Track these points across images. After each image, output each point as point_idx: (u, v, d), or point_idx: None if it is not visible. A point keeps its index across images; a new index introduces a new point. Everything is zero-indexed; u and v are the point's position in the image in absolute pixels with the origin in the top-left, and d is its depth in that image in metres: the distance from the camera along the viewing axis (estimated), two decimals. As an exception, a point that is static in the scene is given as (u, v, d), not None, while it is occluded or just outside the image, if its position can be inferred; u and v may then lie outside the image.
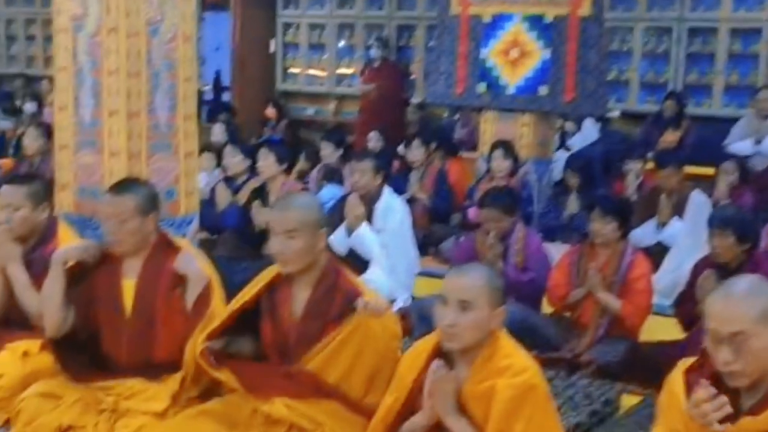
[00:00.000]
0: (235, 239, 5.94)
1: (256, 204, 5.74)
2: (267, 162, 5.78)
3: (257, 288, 3.17)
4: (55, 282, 3.31)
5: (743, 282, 2.36)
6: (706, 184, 7.20)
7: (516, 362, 2.67)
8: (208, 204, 6.36)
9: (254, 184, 6.04)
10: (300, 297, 3.12)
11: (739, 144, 8.22)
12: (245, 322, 3.20)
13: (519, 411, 2.58)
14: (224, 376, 3.08)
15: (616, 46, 9.93)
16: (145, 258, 3.38)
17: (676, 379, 2.46)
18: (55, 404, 3.27)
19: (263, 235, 5.65)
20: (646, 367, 4.40)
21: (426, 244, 7.06)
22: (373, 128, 9.29)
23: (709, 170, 7.65)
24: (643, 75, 9.93)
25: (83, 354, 3.42)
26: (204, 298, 3.29)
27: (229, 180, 6.43)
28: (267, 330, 3.16)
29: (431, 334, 2.83)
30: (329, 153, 7.80)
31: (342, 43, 12.29)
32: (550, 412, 2.68)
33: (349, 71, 12.23)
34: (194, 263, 3.36)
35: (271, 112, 12.01)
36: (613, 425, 3.74)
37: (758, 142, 8.10)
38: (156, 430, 3.10)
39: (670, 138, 8.81)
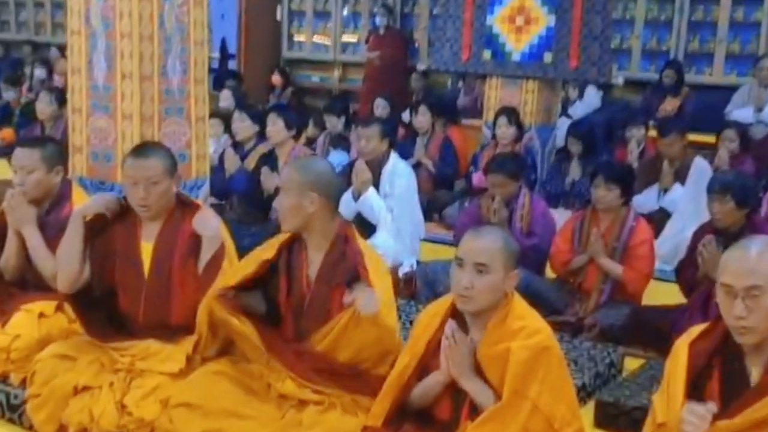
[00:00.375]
0: (244, 204, 5.92)
1: (264, 169, 5.71)
2: (276, 127, 5.73)
3: (275, 248, 3.16)
4: (74, 235, 3.30)
5: (759, 240, 2.36)
6: (707, 151, 7.17)
7: (529, 324, 2.68)
8: (216, 170, 6.32)
9: (263, 149, 6.00)
10: (315, 260, 3.12)
11: (739, 112, 8.18)
12: (255, 280, 3.19)
13: (534, 372, 2.58)
14: (240, 322, 3.06)
15: (618, 14, 9.80)
16: (164, 220, 3.37)
17: (681, 349, 2.45)
18: (70, 365, 3.28)
19: (272, 200, 5.65)
20: (648, 331, 4.42)
21: (430, 210, 7.06)
22: (377, 95, 9.23)
23: (709, 138, 7.60)
24: (645, 43, 9.84)
25: (100, 312, 3.42)
26: (217, 259, 3.28)
27: (237, 146, 6.38)
28: (282, 290, 3.15)
29: (445, 296, 2.81)
30: (333, 123, 7.77)
31: (346, 11, 12.19)
32: (563, 373, 2.68)
33: (354, 39, 12.17)
34: (211, 222, 3.35)
35: (276, 79, 11.97)
36: (617, 387, 3.74)
37: (759, 110, 8.06)
38: (171, 390, 3.10)
39: (669, 106, 8.76)
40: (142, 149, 3.41)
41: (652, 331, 4.39)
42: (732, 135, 6.75)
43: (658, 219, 6.13)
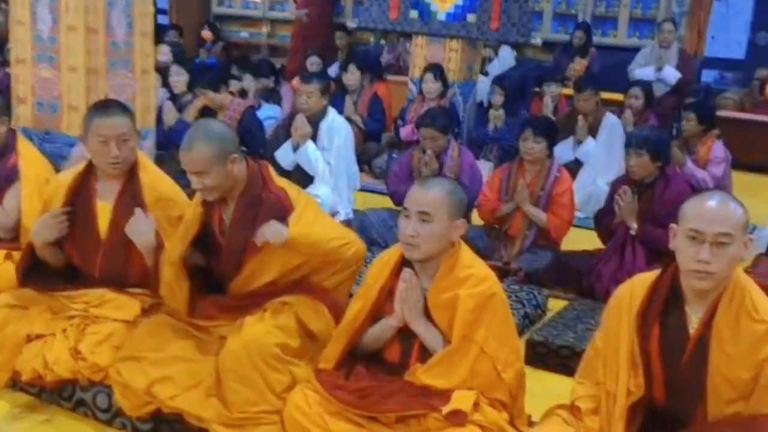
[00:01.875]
0: (184, 156, 5.70)
1: (205, 121, 5.49)
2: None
3: (192, 211, 3.01)
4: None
5: (720, 193, 2.37)
6: (613, 107, 7.24)
7: (476, 272, 2.61)
8: (156, 121, 6.08)
9: (203, 101, 5.77)
10: (227, 212, 2.99)
11: (641, 71, 8.26)
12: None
13: (481, 318, 2.53)
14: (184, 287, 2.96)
15: (532, -22, 9.81)
16: (124, 181, 3.16)
17: (624, 293, 2.44)
18: (21, 313, 3.10)
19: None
20: (569, 274, 4.46)
21: (360, 162, 6.94)
22: (305, 52, 9.02)
23: (614, 95, 7.69)
24: (555, 6, 9.87)
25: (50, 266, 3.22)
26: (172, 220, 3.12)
27: (174, 98, 6.13)
28: (209, 245, 3.04)
29: (396, 245, 2.73)
30: (264, 84, 7.56)
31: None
32: (507, 317, 2.64)
33: (282, -4, 11.86)
34: (162, 184, 3.21)
35: (207, 34, 11.61)
36: (545, 326, 3.75)
37: (659, 69, 8.17)
38: (126, 337, 2.96)
39: (578, 65, 8.81)
40: (107, 107, 3.16)
41: (573, 275, 4.43)
42: (637, 92, 6.82)
43: (573, 169, 6.18)
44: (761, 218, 6.02)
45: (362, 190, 6.19)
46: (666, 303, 2.37)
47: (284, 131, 5.41)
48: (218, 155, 2.82)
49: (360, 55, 9.09)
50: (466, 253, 2.66)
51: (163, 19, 12.58)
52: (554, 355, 3.52)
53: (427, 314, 2.62)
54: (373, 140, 7.23)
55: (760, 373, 2.26)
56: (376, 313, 2.69)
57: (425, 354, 2.61)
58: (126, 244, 3.09)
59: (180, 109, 5.97)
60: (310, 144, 5.28)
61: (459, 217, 2.61)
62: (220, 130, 2.93)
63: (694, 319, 2.34)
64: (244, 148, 5.56)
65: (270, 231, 2.86)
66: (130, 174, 3.16)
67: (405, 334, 2.65)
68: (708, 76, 10.56)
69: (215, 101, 5.42)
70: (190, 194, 3.12)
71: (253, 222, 2.93)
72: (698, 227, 2.24)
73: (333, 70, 8.68)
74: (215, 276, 3.07)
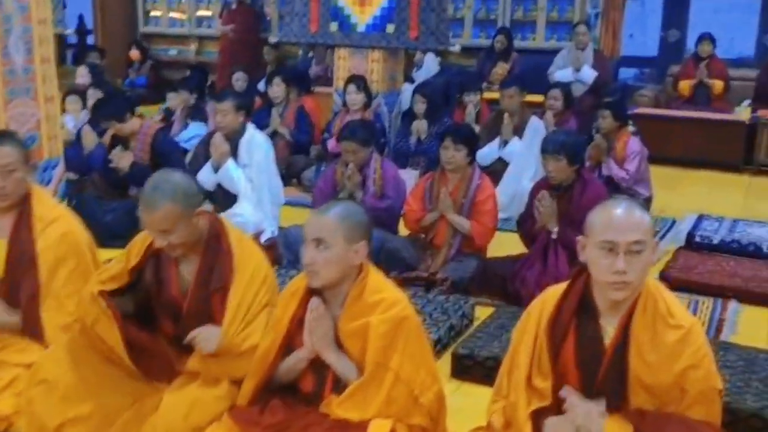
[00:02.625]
0: (104, 180, 5.41)
1: (115, 150, 5.17)
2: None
3: (140, 255, 2.70)
4: None
5: (624, 200, 2.24)
6: (535, 109, 7.18)
7: (386, 297, 2.43)
8: (75, 146, 5.79)
9: (112, 131, 5.47)
10: (190, 263, 2.69)
11: (560, 72, 8.25)
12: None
13: (394, 343, 2.36)
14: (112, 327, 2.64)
15: (451, -14, 9.75)
16: (17, 214, 2.91)
17: (534, 312, 2.31)
18: None
19: (127, 178, 5.18)
20: (495, 281, 4.33)
21: (288, 175, 6.77)
22: (233, 67, 8.77)
23: (536, 97, 7.64)
24: (476, 12, 9.81)
25: None
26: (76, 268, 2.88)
27: (95, 122, 5.84)
28: (154, 297, 2.75)
29: (301, 275, 2.54)
30: (185, 98, 7.27)
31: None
32: (421, 339, 2.47)
33: (209, 13, 11.61)
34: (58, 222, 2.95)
35: (135, 54, 11.40)
36: (470, 338, 3.60)
37: (577, 70, 8.16)
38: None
39: (500, 69, 8.77)
40: None
41: (499, 281, 4.30)
42: (557, 94, 6.75)
43: (499, 170, 6.10)
44: (679, 211, 6.02)
45: (292, 204, 5.99)
46: (578, 315, 2.24)
47: (203, 151, 5.18)
48: (184, 211, 2.55)
49: (288, 68, 8.90)
50: (375, 277, 2.49)
51: (91, 40, 12.22)
52: (480, 368, 3.37)
53: (339, 343, 2.44)
54: (301, 153, 7.02)
55: (684, 381, 2.15)
56: (287, 345, 2.49)
57: (339, 384, 2.43)
58: (22, 282, 2.83)
59: (101, 132, 5.67)
60: (230, 162, 5.06)
61: (358, 241, 2.43)
62: (185, 184, 2.62)
63: (609, 330, 2.22)
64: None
65: (201, 336, 2.58)
66: (23, 207, 2.91)
67: (318, 364, 2.46)
68: (627, 73, 10.66)
69: (123, 131, 5.10)
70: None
71: (216, 280, 2.66)
72: (611, 238, 2.12)
73: (263, 85, 8.45)
74: (160, 345, 2.74)
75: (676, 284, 4.40)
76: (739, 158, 7.43)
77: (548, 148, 4.23)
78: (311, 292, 2.47)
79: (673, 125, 7.66)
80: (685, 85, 8.35)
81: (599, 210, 2.20)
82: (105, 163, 5.28)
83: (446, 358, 3.51)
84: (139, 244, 2.72)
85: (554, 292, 2.31)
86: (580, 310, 2.24)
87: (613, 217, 2.14)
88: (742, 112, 7.61)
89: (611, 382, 2.18)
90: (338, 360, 2.42)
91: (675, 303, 2.21)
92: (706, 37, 8.32)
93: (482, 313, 4.04)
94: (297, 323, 2.48)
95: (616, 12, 9.64)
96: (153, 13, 12.02)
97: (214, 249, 2.68)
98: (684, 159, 7.52)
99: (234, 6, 10.65)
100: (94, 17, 12.04)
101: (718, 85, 8.21)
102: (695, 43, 8.51)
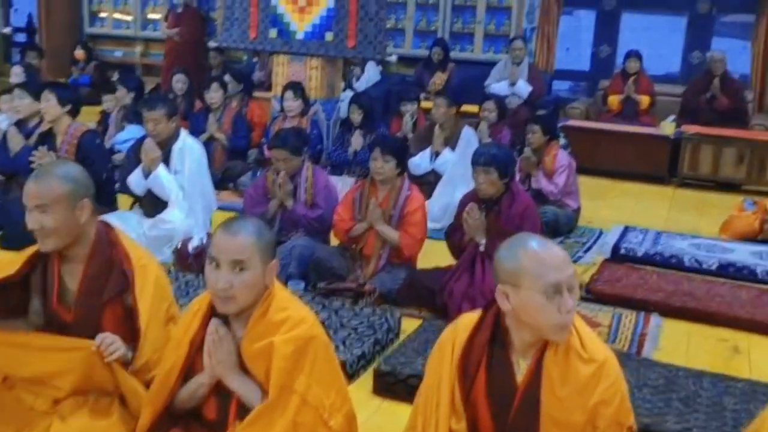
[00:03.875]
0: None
1: (40, 149, 4.84)
2: (49, 104, 4.86)
3: (19, 264, 2.43)
4: None
5: (533, 238, 2.01)
6: (471, 119, 7.03)
7: (292, 315, 2.20)
8: (2, 147, 5.40)
9: (45, 127, 5.12)
10: (74, 272, 2.44)
11: (497, 85, 8.14)
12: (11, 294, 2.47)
13: (300, 365, 2.13)
14: None
15: (393, -3, 9.59)
16: None
17: (446, 345, 2.10)
18: None
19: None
20: (423, 292, 4.14)
21: (224, 180, 6.49)
22: (177, 70, 8.39)
23: (473, 107, 7.51)
24: (416, 23, 9.64)
25: None
26: None
27: (24, 123, 5.45)
28: (39, 309, 2.47)
29: (204, 293, 2.29)
30: (123, 95, 6.90)
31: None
32: (330, 359, 2.24)
33: (156, 15, 11.19)
34: None
35: (80, 54, 10.97)
36: (393, 354, 3.38)
37: (512, 84, 8.04)
38: None
39: (438, 80, 8.62)
40: None
41: (426, 293, 4.10)
42: (491, 106, 6.61)
43: (432, 180, 5.92)
44: (606, 222, 5.92)
45: (227, 209, 5.71)
46: (490, 350, 2.03)
47: (134, 156, 4.86)
48: (68, 195, 2.34)
49: (234, 71, 8.56)
50: (281, 294, 2.25)
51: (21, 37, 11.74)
52: (403, 386, 3.15)
53: (243, 366, 2.20)
54: (238, 158, 6.73)
55: (596, 416, 1.96)
56: (189, 369, 2.24)
57: (244, 409, 2.19)
58: None
59: (28, 134, 5.30)
60: (161, 168, 4.75)
61: (271, 259, 2.20)
62: (78, 173, 2.43)
63: (522, 365, 2.01)
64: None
65: (106, 342, 2.33)
66: None
67: (221, 389, 2.21)
68: (561, 86, 10.60)
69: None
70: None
71: (102, 289, 2.42)
72: (556, 279, 1.90)
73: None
74: None
75: (600, 297, 4.27)
76: (663, 171, 7.39)
77: (479, 161, 4.04)
78: (213, 312, 2.23)
79: (602, 137, 7.59)
80: (613, 100, 8.29)
81: (521, 257, 1.94)
82: (30, 164, 4.94)
83: (368, 375, 3.29)
84: (31, 249, 2.45)
85: (466, 322, 2.10)
86: (492, 344, 2.03)
87: (547, 259, 1.92)
88: (667, 127, 7.57)
89: (524, 420, 1.97)
90: (241, 384, 2.17)
91: (589, 336, 2.02)
92: (634, 54, 8.29)
93: (409, 325, 3.83)
94: (198, 345, 2.24)
95: (551, 27, 9.57)
96: (100, 14, 11.57)
97: (102, 257, 2.43)
98: (612, 171, 7.46)
99: (180, 9, 10.27)
100: (38, 17, 11.54)
101: (645, 100, 8.18)
102: (623, 59, 8.46)
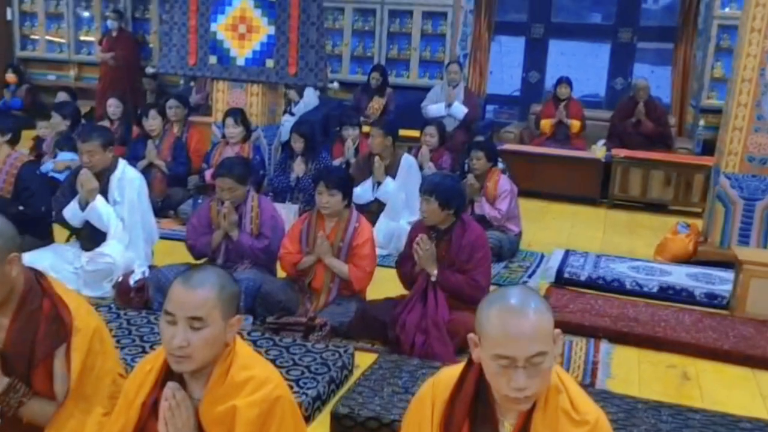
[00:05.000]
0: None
1: (-22, 180, 4.48)
2: (-15, 133, 4.51)
3: None
4: None
5: (520, 294, 1.75)
6: (411, 143, 6.88)
7: (256, 374, 1.96)
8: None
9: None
10: (1, 328, 2.15)
11: (433, 107, 8.03)
12: None
13: (265, 428, 1.90)
14: None
15: (330, 24, 9.40)
16: None
17: (425, 402, 1.88)
18: None
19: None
20: (374, 324, 3.93)
21: (165, 207, 6.16)
22: (112, 95, 7.99)
23: (411, 132, 7.35)
24: (353, 49, 9.48)
25: None
26: None
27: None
28: None
29: (158, 350, 2.03)
30: (58, 122, 6.49)
31: (85, 13, 10.68)
32: (297, 421, 2.02)
33: (90, 38, 10.72)
34: None
35: (11, 77, 10.41)
36: (350, 393, 3.14)
37: (449, 105, 7.95)
38: None
39: (376, 104, 8.45)
40: None
41: (378, 325, 3.90)
42: (432, 131, 6.47)
43: (375, 210, 5.72)
44: (546, 245, 5.83)
45: (167, 237, 5.39)
46: (473, 408, 1.83)
47: (70, 187, 4.51)
48: (3, 247, 2.05)
49: (178, 96, 8.20)
50: (243, 351, 2.01)
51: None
52: (361, 429, 2.93)
53: (201, 430, 1.94)
54: (178, 185, 6.39)
55: None
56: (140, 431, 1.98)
57: (202, 478, 1.93)
58: None
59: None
60: (99, 199, 4.42)
61: (234, 314, 1.96)
62: (2, 225, 2.12)
63: (506, 426, 1.81)
64: (22, 208, 4.63)
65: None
66: None
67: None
68: (490, 111, 10.60)
69: None
70: None
71: (32, 343, 2.13)
72: (509, 353, 1.66)
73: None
74: None
75: (550, 324, 4.14)
76: (596, 193, 7.39)
77: (421, 188, 3.89)
78: (169, 371, 1.97)
79: (537, 161, 7.55)
80: (546, 124, 8.29)
81: (492, 313, 1.71)
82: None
83: (325, 417, 3.05)
84: None
85: (446, 378, 1.89)
86: (474, 404, 1.83)
87: (510, 328, 1.67)
88: (598, 151, 7.59)
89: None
90: (200, 453, 1.92)
91: (579, 395, 1.84)
92: (564, 81, 8.31)
93: (363, 360, 3.61)
94: (151, 408, 1.97)
95: (482, 53, 9.56)
96: (32, 37, 11.01)
97: (31, 310, 2.14)
98: (546, 193, 7.41)
99: (115, 33, 9.88)
100: (-35, 39, 10.90)
101: (575, 124, 8.19)
102: (554, 85, 8.48)
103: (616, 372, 3.69)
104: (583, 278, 4.87)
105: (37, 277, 2.22)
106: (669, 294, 4.68)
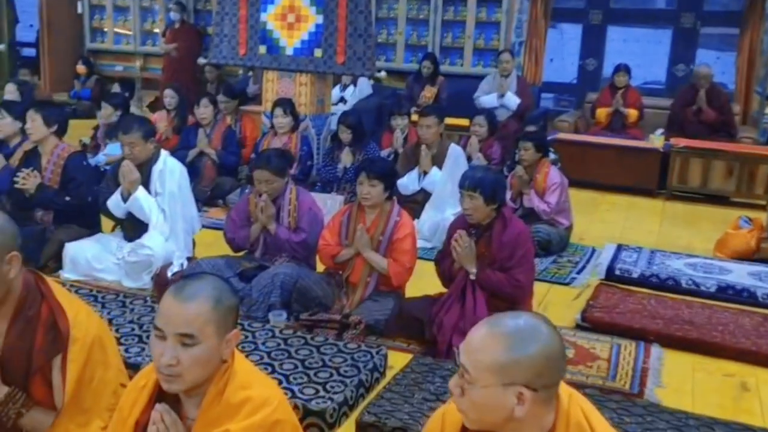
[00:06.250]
0: (9, 204, 4.57)
1: (25, 170, 4.38)
2: (34, 124, 4.39)
3: None
4: None
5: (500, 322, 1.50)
6: (462, 132, 6.56)
7: (253, 395, 1.72)
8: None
9: (27, 146, 4.64)
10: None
11: (485, 98, 7.66)
12: None
13: (262, 454, 1.67)
14: None
15: (384, 13, 9.12)
16: None
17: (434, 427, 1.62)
18: None
19: (34, 199, 4.40)
20: (411, 323, 3.66)
21: (214, 196, 6.01)
22: (171, 85, 7.90)
23: (462, 120, 7.04)
24: (407, 38, 9.16)
25: None
26: None
27: (5, 142, 4.96)
28: None
29: (151, 365, 1.81)
30: (110, 113, 6.40)
31: (151, 6, 10.69)
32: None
33: (155, 30, 10.70)
34: None
35: (81, 68, 10.51)
36: (378, 399, 2.90)
37: (501, 96, 7.57)
38: None
39: (428, 93, 8.12)
40: None
41: (416, 324, 3.63)
42: (481, 121, 6.14)
43: (420, 200, 5.44)
44: (598, 239, 5.44)
45: (214, 227, 5.23)
46: None
47: (114, 178, 4.37)
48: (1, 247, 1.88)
49: (227, 86, 8.06)
50: (242, 368, 1.77)
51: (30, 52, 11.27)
52: (387, 438, 2.68)
53: (196, 455, 1.72)
54: (229, 174, 6.24)
55: None
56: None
57: (197, 506, 1.71)
58: None
59: (9, 154, 4.81)
60: (140, 191, 4.27)
61: (230, 329, 1.72)
62: (2, 221, 1.94)
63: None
64: (68, 198, 4.52)
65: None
66: None
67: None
68: (547, 98, 10.14)
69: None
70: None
71: (30, 351, 1.96)
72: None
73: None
74: None
75: (597, 326, 3.79)
76: (653, 184, 6.91)
77: (464, 185, 3.55)
78: (162, 390, 1.75)
79: (591, 150, 7.10)
80: (602, 113, 7.81)
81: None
82: (12, 184, 4.46)
83: (351, 423, 2.81)
84: None
85: (453, 416, 1.61)
86: None
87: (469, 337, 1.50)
88: (656, 140, 7.09)
89: None
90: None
91: (601, 423, 1.53)
92: (623, 68, 7.81)
93: (397, 360, 3.36)
94: (144, 426, 1.76)
95: (538, 40, 9.09)
96: (100, 29, 11.09)
97: (28, 317, 1.96)
98: (601, 183, 6.98)
99: (177, 25, 9.82)
100: (40, 33, 11.05)
101: (633, 113, 7.70)
102: (612, 73, 7.98)
103: (668, 381, 3.32)
104: (635, 275, 4.48)
105: (36, 280, 2.04)
106: (728, 294, 4.26)
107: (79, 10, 11.07)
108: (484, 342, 1.45)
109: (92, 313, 2.09)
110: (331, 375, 3.06)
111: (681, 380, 3.34)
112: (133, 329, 3.43)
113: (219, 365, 1.72)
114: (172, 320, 1.65)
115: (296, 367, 3.10)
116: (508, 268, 3.51)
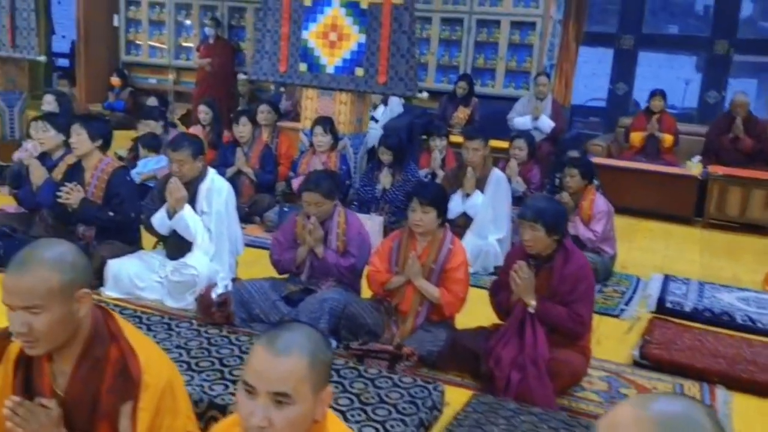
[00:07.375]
0: (53, 217, 4.40)
1: (69, 185, 4.21)
2: (79, 138, 4.21)
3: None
4: None
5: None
6: (498, 156, 6.34)
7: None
8: (26, 181, 4.74)
9: (71, 159, 4.47)
10: (62, 373, 1.78)
11: (519, 119, 7.45)
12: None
13: None
14: None
15: (417, 33, 8.90)
16: None
17: None
18: None
19: (77, 214, 4.22)
20: (465, 355, 3.42)
21: (251, 213, 5.82)
22: (204, 101, 7.73)
23: (496, 143, 6.80)
24: (439, 59, 8.97)
25: None
26: None
27: (47, 155, 4.80)
28: None
29: (234, 416, 1.59)
30: (154, 126, 6.24)
31: (186, 21, 10.56)
32: None
33: (189, 44, 10.58)
34: None
35: (115, 80, 10.44)
36: (442, 442, 2.68)
37: (535, 119, 7.36)
38: None
39: (462, 114, 7.93)
40: None
41: (470, 357, 3.39)
42: (521, 144, 5.93)
43: (461, 224, 5.21)
44: (640, 267, 5.20)
45: (251, 245, 5.03)
46: None
47: (159, 194, 4.18)
48: (65, 286, 1.66)
49: (270, 102, 7.91)
50: (334, 429, 1.55)
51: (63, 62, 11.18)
52: (455, 488, 2.45)
53: None
54: (266, 192, 6.04)
55: None
56: None
57: None
58: None
59: (51, 166, 4.64)
60: (186, 209, 4.07)
61: (325, 386, 1.50)
62: (74, 255, 1.72)
63: None
64: (112, 213, 4.34)
65: None
66: None
67: None
68: (575, 124, 9.92)
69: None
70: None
71: (96, 395, 1.76)
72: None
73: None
74: None
75: (657, 364, 3.55)
76: (689, 212, 6.67)
77: (525, 215, 3.32)
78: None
79: (627, 176, 6.87)
80: (636, 137, 7.58)
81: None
82: (54, 198, 4.28)
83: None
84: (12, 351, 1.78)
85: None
86: None
87: None
88: (694, 167, 6.85)
89: None
90: None
91: None
92: (658, 93, 7.58)
93: (452, 396, 3.12)
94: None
95: (569, 64, 8.88)
96: (135, 42, 10.99)
97: (95, 360, 1.75)
98: (636, 209, 6.74)
99: (212, 40, 9.68)
100: (76, 45, 10.97)
101: (668, 139, 7.46)
102: (648, 97, 7.76)
103: (739, 427, 3.07)
104: (687, 309, 4.24)
105: (105, 317, 1.83)
106: (787, 332, 4.01)
107: (116, 24, 11.00)
108: (629, 429, 1.19)
109: (164, 355, 1.88)
110: (390, 413, 2.83)
111: (750, 427, 3.09)
112: (180, 354, 3.21)
113: (311, 426, 1.50)
114: (265, 377, 1.42)
115: (352, 402, 2.88)
116: (569, 302, 3.28)
